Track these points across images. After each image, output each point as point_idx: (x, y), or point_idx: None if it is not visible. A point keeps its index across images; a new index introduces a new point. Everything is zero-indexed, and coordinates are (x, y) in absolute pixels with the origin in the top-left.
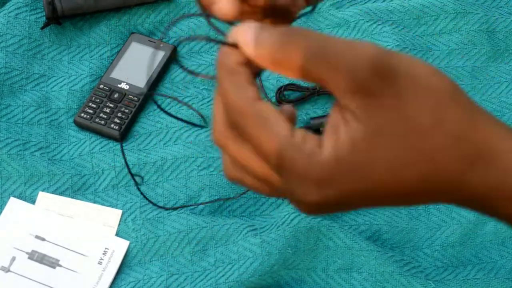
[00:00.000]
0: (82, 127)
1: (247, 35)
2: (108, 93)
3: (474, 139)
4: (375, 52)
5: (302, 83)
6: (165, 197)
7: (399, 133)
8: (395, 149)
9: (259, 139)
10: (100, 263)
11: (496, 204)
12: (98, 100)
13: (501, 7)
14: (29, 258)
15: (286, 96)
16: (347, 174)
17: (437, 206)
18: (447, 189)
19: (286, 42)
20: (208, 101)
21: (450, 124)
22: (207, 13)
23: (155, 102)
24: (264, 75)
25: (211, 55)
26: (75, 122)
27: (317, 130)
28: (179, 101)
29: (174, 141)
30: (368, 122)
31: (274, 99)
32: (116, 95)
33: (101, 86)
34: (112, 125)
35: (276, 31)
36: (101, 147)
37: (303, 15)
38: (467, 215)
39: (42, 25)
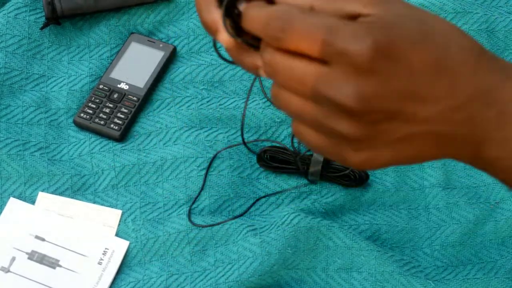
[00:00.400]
0: (81, 127)
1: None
2: (107, 93)
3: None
4: None
5: None
6: (165, 197)
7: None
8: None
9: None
10: (100, 263)
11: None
12: (97, 100)
13: (500, 6)
14: (29, 258)
15: None
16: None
17: (437, 206)
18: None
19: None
20: (207, 101)
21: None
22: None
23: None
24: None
25: (210, 55)
26: (74, 122)
27: None
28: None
29: (174, 141)
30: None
31: None
32: (115, 95)
33: (101, 86)
34: (112, 125)
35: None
36: (101, 147)
37: None
38: (467, 215)
39: (42, 25)
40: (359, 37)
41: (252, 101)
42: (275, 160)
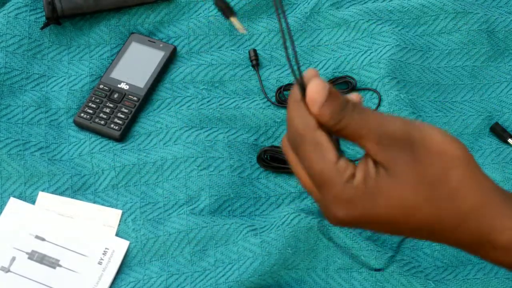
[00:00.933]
0: (82, 127)
1: (318, 97)
2: (108, 93)
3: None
4: (401, 125)
5: None
6: (165, 197)
7: (411, 181)
8: (406, 192)
9: (311, 159)
10: (100, 263)
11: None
12: (98, 100)
13: (500, 7)
14: (29, 258)
15: (286, 95)
16: (369, 201)
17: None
18: (444, 233)
19: (341, 117)
20: (208, 101)
21: (456, 181)
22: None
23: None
24: (264, 75)
25: (211, 55)
26: (75, 122)
27: None
28: None
29: (174, 141)
30: (389, 170)
31: (274, 99)
32: (116, 95)
33: (101, 86)
34: (112, 125)
35: (338, 104)
36: (101, 147)
37: None
38: None
39: (42, 25)
40: (340, 202)
41: (253, 101)
42: (275, 160)
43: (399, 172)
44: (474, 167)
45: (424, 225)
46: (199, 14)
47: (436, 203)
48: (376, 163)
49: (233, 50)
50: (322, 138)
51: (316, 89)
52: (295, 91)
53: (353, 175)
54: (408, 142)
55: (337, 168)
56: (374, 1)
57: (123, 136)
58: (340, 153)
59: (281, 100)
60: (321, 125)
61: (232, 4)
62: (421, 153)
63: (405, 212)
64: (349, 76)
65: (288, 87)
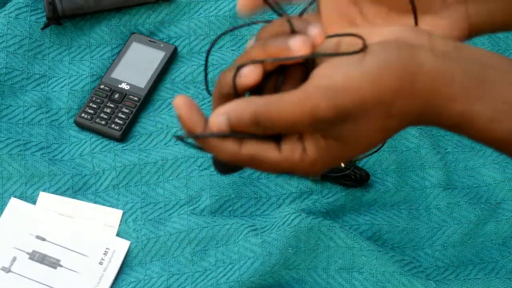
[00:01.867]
0: (82, 127)
1: (220, 123)
2: (108, 93)
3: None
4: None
5: None
6: (166, 197)
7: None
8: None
9: (264, 170)
10: (101, 263)
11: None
12: (98, 100)
13: None
14: (29, 258)
15: None
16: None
17: (438, 206)
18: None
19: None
20: (208, 101)
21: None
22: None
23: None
24: None
25: (211, 55)
26: (75, 122)
27: None
28: None
29: (175, 141)
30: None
31: None
32: (116, 95)
33: (102, 86)
34: (113, 125)
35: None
36: (102, 147)
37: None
38: (468, 215)
39: (43, 25)
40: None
41: None
42: None
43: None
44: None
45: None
46: (200, 14)
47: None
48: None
49: (234, 50)
50: (250, 150)
51: (215, 119)
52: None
53: (304, 150)
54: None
55: (285, 159)
56: None
57: (124, 136)
58: (278, 137)
59: None
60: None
61: (232, 4)
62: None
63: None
64: None
65: None
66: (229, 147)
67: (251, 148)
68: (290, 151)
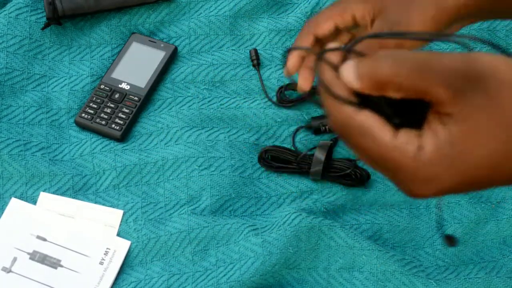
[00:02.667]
0: (83, 127)
1: (349, 74)
2: (109, 93)
3: None
4: (461, 60)
5: None
6: (166, 197)
7: (494, 128)
8: (492, 143)
9: (364, 149)
10: (101, 263)
11: None
12: (99, 100)
13: None
14: (30, 258)
15: (287, 95)
16: (450, 171)
17: (438, 206)
18: None
19: (381, 68)
20: (208, 101)
21: None
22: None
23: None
24: (265, 75)
25: (212, 55)
26: (76, 122)
27: (317, 129)
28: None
29: (175, 141)
30: (464, 122)
31: (275, 99)
32: (117, 95)
33: (102, 86)
34: (113, 125)
35: (369, 62)
36: (102, 147)
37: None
38: (468, 214)
39: (43, 25)
40: (416, 181)
41: (254, 101)
42: (276, 159)
43: (477, 122)
44: None
45: None
46: (200, 14)
47: None
48: (443, 120)
49: (234, 50)
50: (367, 120)
51: (345, 67)
52: (325, 71)
53: (420, 147)
54: (477, 79)
55: (397, 147)
56: None
57: (124, 136)
58: (396, 122)
59: (282, 100)
60: (368, 101)
61: (232, 4)
62: (496, 89)
63: (495, 165)
64: None
65: (289, 86)
66: (347, 108)
67: (368, 118)
68: (406, 139)
